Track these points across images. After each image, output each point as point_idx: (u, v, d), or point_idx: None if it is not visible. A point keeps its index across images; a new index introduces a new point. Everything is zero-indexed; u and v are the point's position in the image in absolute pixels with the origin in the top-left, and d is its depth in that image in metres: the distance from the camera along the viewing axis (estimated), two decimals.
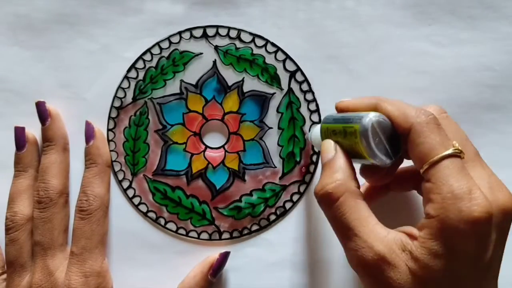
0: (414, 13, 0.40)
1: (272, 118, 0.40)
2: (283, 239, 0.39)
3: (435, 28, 0.40)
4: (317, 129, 0.35)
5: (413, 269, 0.28)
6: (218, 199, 0.39)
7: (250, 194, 0.39)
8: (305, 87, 0.40)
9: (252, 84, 0.40)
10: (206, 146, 0.40)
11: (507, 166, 0.38)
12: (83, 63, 0.40)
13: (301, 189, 0.40)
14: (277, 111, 0.40)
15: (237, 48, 0.40)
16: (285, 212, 0.39)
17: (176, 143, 0.39)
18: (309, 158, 0.40)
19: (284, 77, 0.40)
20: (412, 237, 0.29)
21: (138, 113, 0.39)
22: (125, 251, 0.39)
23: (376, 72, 0.40)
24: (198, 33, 0.40)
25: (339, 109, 0.34)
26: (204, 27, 0.40)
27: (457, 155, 0.29)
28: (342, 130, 0.31)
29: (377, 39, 0.40)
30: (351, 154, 0.31)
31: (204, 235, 0.39)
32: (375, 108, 0.31)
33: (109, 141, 0.40)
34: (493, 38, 0.40)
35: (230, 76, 0.40)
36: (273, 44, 0.40)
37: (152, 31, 0.40)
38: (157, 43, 0.40)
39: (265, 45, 0.40)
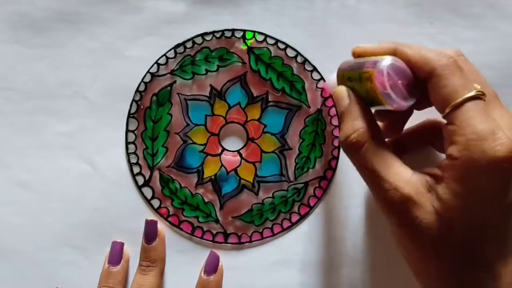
0: (415, 12, 0.40)
1: (294, 134, 0.39)
2: (285, 238, 0.39)
3: (437, 26, 0.40)
4: (334, 76, 0.35)
5: (438, 209, 0.29)
6: (229, 207, 0.39)
7: (262, 203, 0.39)
8: (333, 111, 0.40)
9: (276, 96, 0.40)
10: (223, 149, 0.40)
11: None
12: (84, 62, 0.40)
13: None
14: (304, 122, 0.39)
15: (271, 57, 0.40)
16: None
17: (195, 143, 0.39)
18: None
19: (311, 93, 0.40)
20: (436, 177, 0.30)
21: (159, 104, 0.39)
22: (128, 249, 0.39)
23: None
24: (238, 33, 0.40)
25: (356, 55, 0.34)
26: (244, 31, 0.40)
27: (480, 97, 0.29)
28: (358, 76, 0.31)
29: (379, 37, 0.40)
30: (368, 101, 0.32)
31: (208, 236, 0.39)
32: (393, 53, 0.31)
33: (129, 131, 0.39)
34: (494, 36, 0.40)
35: (256, 83, 0.40)
36: (302, 56, 0.40)
37: (153, 29, 0.40)
38: (202, 34, 0.40)
39: (295, 57, 0.40)
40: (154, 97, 0.39)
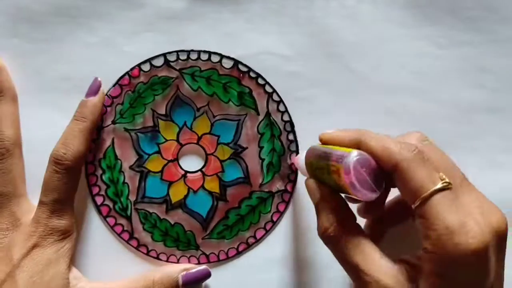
0: (414, 14, 0.40)
1: (247, 137, 0.39)
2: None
3: (435, 29, 0.40)
4: (302, 157, 0.35)
5: None
6: (205, 226, 0.39)
7: (239, 207, 0.39)
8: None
9: (223, 106, 0.39)
10: (186, 172, 0.39)
11: (506, 168, 0.39)
12: (83, 56, 0.40)
13: (285, 198, 0.40)
14: (258, 131, 0.39)
15: (202, 70, 0.39)
16: (273, 225, 0.39)
17: (152, 171, 0.39)
18: (288, 167, 0.40)
19: (261, 98, 0.39)
20: (416, 268, 0.30)
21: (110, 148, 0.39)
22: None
23: (376, 71, 0.40)
24: (159, 61, 0.39)
25: (323, 141, 0.34)
26: (164, 54, 0.39)
27: (446, 188, 0.28)
28: (326, 168, 0.31)
29: (378, 38, 0.40)
30: (338, 190, 0.32)
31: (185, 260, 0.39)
32: (358, 145, 0.31)
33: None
34: (493, 39, 0.40)
35: (200, 99, 0.39)
36: (244, 65, 0.40)
37: (153, 25, 0.40)
38: (127, 72, 0.39)
39: (235, 65, 0.39)
40: (102, 160, 0.39)
